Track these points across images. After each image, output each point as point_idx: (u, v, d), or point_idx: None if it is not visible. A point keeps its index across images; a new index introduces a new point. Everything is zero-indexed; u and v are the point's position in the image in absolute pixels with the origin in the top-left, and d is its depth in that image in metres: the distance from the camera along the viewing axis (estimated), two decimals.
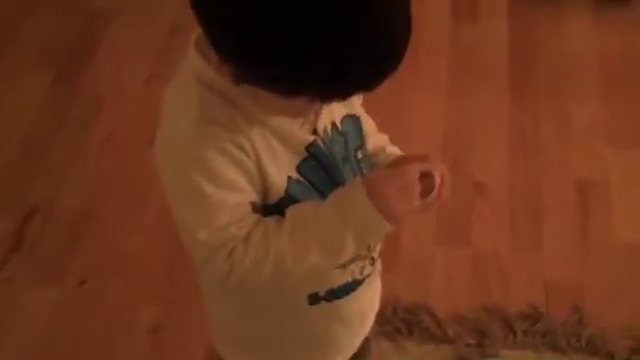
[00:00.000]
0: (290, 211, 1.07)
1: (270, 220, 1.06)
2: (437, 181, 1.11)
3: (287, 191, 1.08)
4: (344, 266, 1.17)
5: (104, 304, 2.06)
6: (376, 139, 1.26)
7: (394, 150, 1.26)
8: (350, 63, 0.94)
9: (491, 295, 2.09)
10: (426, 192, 1.10)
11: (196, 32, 1.04)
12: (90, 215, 2.24)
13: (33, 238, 2.19)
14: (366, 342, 1.38)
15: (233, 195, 1.03)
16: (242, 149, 1.03)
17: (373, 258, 1.24)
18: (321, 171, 1.11)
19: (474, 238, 2.21)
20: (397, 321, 2.01)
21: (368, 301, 1.31)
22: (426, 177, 1.10)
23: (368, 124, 1.24)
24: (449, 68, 2.64)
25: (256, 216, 1.06)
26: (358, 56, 0.93)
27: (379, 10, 0.93)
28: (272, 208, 1.08)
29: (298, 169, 1.09)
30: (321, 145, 1.11)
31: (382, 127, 1.29)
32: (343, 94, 1.00)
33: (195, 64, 1.04)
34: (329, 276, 1.17)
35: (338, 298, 1.21)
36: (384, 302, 2.00)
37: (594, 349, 1.99)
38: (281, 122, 1.07)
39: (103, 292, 2.08)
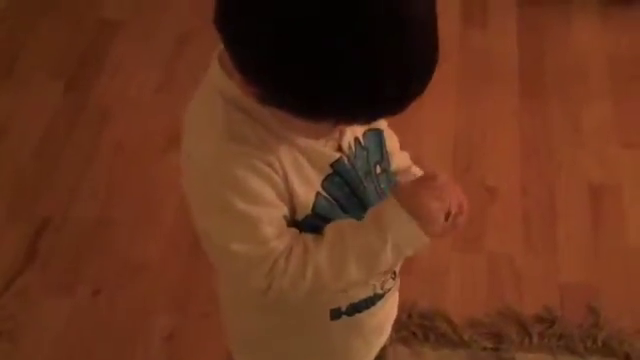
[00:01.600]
0: (329, 227, 1.07)
1: (309, 236, 1.06)
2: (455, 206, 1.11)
3: (314, 208, 1.08)
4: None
5: (119, 313, 2.06)
6: (399, 158, 1.27)
7: (418, 171, 1.27)
8: (376, 90, 0.93)
9: (506, 299, 2.09)
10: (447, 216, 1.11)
11: (219, 47, 1.04)
12: (103, 224, 2.24)
13: (47, 248, 2.19)
14: (383, 350, 1.38)
15: (266, 210, 1.03)
16: (270, 165, 1.03)
17: (395, 272, 1.24)
18: (345, 187, 1.11)
19: (488, 242, 2.21)
20: (413, 326, 2.01)
21: (386, 313, 1.31)
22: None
23: (392, 141, 1.24)
24: (459, 73, 2.64)
25: (294, 230, 1.06)
26: (385, 82, 0.92)
27: (409, 36, 0.91)
28: (299, 225, 1.08)
29: (323, 185, 1.09)
30: (346, 162, 1.11)
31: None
32: (368, 119, 1.00)
33: (218, 80, 1.04)
34: (349, 292, 1.17)
35: (359, 312, 1.21)
36: (400, 308, 2.00)
37: (610, 351, 1.99)
38: (307, 140, 1.06)
39: (117, 301, 2.08)
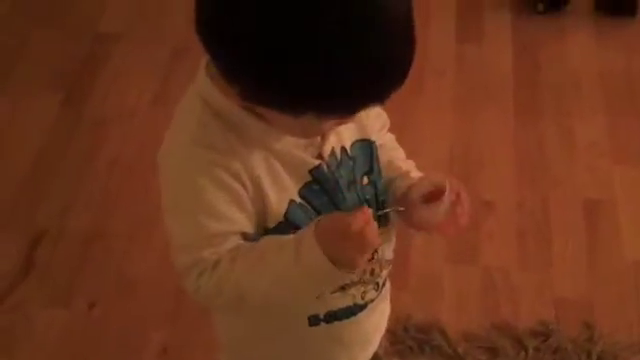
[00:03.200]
0: (262, 239, 1.09)
1: (243, 245, 1.08)
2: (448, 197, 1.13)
3: (286, 215, 1.09)
4: (343, 290, 1.18)
5: (113, 327, 2.06)
6: (401, 165, 1.27)
7: (419, 175, 1.26)
8: (349, 75, 0.94)
9: (501, 313, 2.09)
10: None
11: (206, 56, 1.06)
12: (99, 237, 2.24)
13: (43, 261, 2.18)
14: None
15: (215, 224, 1.06)
16: (236, 177, 1.05)
17: (377, 283, 1.23)
18: (324, 195, 1.12)
19: (483, 256, 2.21)
20: (408, 340, 2.01)
21: (372, 325, 1.30)
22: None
23: (398, 152, 1.26)
24: (454, 88, 2.65)
25: (234, 244, 1.08)
26: (363, 73, 0.95)
27: (383, 30, 0.94)
28: (271, 232, 1.09)
29: (300, 193, 1.10)
30: (325, 169, 1.12)
31: None
32: (348, 111, 1.01)
33: (202, 87, 1.06)
34: (326, 300, 1.17)
35: (339, 320, 1.21)
36: (395, 321, 2.01)
37: None
38: (286, 145, 1.08)
39: (112, 315, 2.08)
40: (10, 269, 2.16)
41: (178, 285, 2.05)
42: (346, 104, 1.00)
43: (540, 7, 2.90)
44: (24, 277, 2.15)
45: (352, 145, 1.16)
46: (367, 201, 1.17)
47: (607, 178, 2.42)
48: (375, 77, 0.96)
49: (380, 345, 1.35)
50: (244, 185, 1.05)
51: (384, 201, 1.21)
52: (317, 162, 1.11)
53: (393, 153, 1.26)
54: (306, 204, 1.10)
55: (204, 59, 1.07)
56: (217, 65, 1.00)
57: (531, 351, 2.01)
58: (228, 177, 1.04)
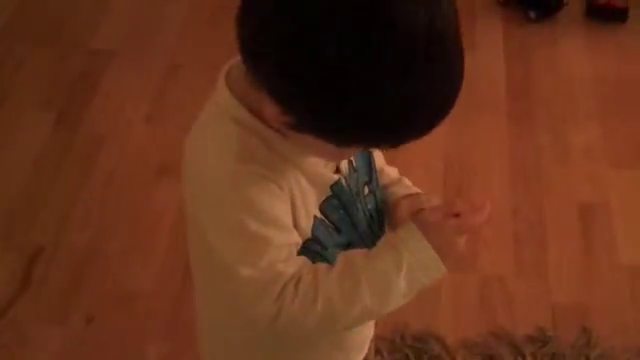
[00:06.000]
0: (341, 255, 1.07)
1: (320, 265, 1.06)
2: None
3: (313, 231, 1.08)
4: None
5: (112, 341, 2.06)
6: (388, 172, 1.27)
7: (410, 183, 1.26)
8: (408, 123, 0.95)
9: (498, 320, 2.09)
10: None
11: (224, 69, 1.05)
12: (95, 253, 2.24)
13: (40, 277, 2.18)
14: None
15: (278, 233, 1.02)
16: (282, 189, 1.03)
17: None
18: (341, 209, 1.12)
19: (479, 264, 2.21)
20: (406, 349, 2.01)
21: (368, 330, 1.32)
22: None
23: (378, 158, 1.25)
24: None
25: (303, 258, 1.05)
26: (417, 116, 0.95)
27: (445, 74, 0.94)
28: (301, 251, 1.07)
29: (320, 208, 1.10)
30: (343, 183, 1.12)
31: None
32: (396, 143, 1.00)
33: (229, 105, 1.03)
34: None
35: (346, 329, 1.20)
36: (392, 330, 2.01)
37: None
38: (310, 162, 1.07)
39: (110, 329, 2.08)
40: (7, 286, 2.16)
41: (176, 299, 2.09)
42: (396, 140, 0.99)
43: (532, 14, 2.92)
44: (21, 293, 2.14)
45: (355, 156, 1.16)
46: (369, 211, 1.18)
47: (602, 183, 2.43)
48: (429, 122, 0.97)
49: (370, 350, 1.35)
50: (289, 199, 1.04)
51: (382, 210, 1.22)
52: (337, 177, 1.11)
53: (381, 159, 1.27)
54: (324, 218, 1.10)
55: (221, 75, 1.05)
56: (275, 96, 0.96)
57: (529, 357, 2.01)
58: (278, 189, 1.02)
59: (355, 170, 1.16)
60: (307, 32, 0.89)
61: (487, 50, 2.83)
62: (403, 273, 1.04)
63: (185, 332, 2.06)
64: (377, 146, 1.04)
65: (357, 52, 0.88)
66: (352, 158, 1.15)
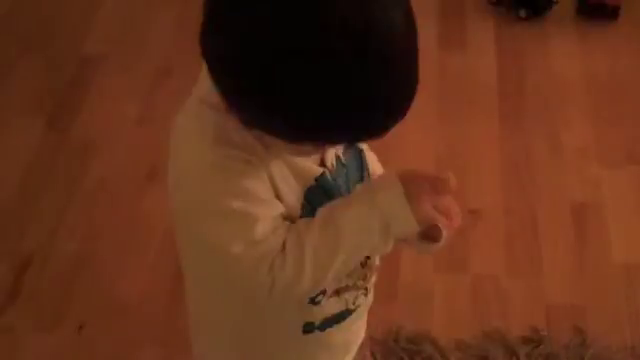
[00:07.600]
0: (320, 209, 1.08)
1: (300, 221, 1.07)
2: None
3: (301, 217, 1.09)
4: (338, 294, 1.18)
5: (103, 349, 2.05)
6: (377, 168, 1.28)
7: None
8: (359, 120, 0.96)
9: (492, 320, 2.08)
10: None
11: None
12: (87, 260, 2.23)
13: (30, 285, 2.17)
14: None
15: (262, 208, 1.04)
16: (258, 167, 1.04)
17: (367, 289, 1.24)
18: (325, 199, 1.12)
19: (472, 264, 2.21)
20: (400, 351, 2.00)
21: (355, 332, 1.31)
22: None
23: (370, 156, 1.26)
24: (439, 97, 2.65)
25: (287, 223, 1.07)
26: (368, 112, 0.96)
27: (394, 70, 0.95)
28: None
29: (305, 195, 1.11)
30: (329, 177, 1.13)
31: None
32: (349, 142, 1.04)
33: (207, 90, 1.05)
34: (323, 306, 1.18)
35: (330, 327, 1.22)
36: (386, 332, 2.01)
37: None
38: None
39: (102, 337, 2.07)
40: None
41: (168, 305, 2.08)
42: (348, 139, 1.02)
43: (522, 13, 2.91)
44: (12, 301, 2.14)
45: (344, 152, 1.17)
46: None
47: (594, 182, 2.42)
48: (381, 119, 0.98)
49: (358, 354, 1.35)
50: (269, 180, 1.06)
51: None
52: (321, 170, 1.12)
53: (372, 157, 1.27)
54: (309, 206, 1.11)
55: (204, 66, 1.06)
56: (220, 91, 1.00)
57: (523, 358, 2.00)
58: (255, 169, 1.04)
59: (344, 166, 1.17)
60: (242, 31, 0.94)
61: (478, 49, 2.83)
62: (377, 219, 1.05)
63: (178, 337, 2.05)
64: (327, 145, 1.05)
65: (290, 52, 0.91)
66: (340, 154, 1.16)
